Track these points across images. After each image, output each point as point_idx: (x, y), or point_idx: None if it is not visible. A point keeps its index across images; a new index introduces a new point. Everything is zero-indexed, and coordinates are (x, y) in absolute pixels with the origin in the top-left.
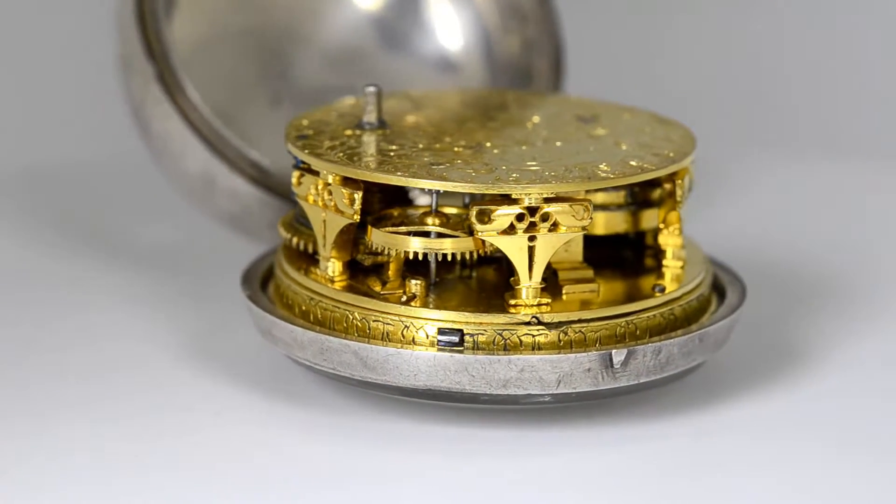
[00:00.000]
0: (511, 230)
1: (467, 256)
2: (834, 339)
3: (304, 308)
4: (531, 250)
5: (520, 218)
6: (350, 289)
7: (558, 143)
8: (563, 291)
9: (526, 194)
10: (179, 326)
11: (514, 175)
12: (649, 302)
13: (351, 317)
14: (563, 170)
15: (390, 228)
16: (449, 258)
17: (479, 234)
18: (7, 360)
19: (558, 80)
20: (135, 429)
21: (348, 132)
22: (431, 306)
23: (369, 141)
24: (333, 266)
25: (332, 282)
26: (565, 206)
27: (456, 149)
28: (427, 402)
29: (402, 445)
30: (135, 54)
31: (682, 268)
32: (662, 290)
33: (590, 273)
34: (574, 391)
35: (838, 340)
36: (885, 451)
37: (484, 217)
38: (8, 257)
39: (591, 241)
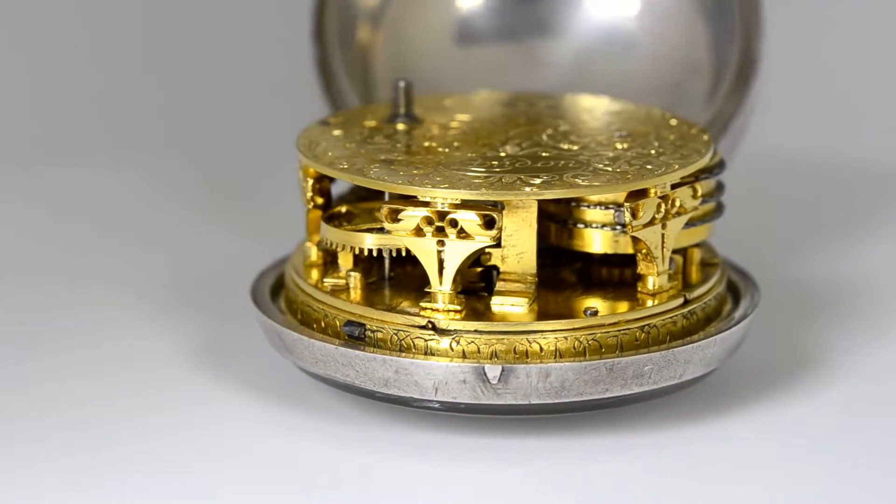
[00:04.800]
0: (421, 232)
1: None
2: (848, 349)
3: (286, 290)
4: (440, 255)
5: (430, 222)
6: (311, 275)
7: (545, 154)
8: (491, 302)
9: (431, 198)
10: (190, 327)
11: (437, 178)
12: (561, 324)
13: (298, 301)
14: (495, 180)
15: (348, 226)
16: (405, 254)
17: (392, 233)
18: (9, 358)
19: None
20: (134, 430)
21: (371, 124)
22: (352, 299)
23: (371, 135)
24: (311, 251)
25: (305, 266)
26: (471, 213)
27: (441, 149)
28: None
29: (401, 451)
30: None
31: (653, 296)
32: (594, 313)
33: (531, 287)
34: (455, 401)
35: (852, 350)
36: None
37: (393, 216)
38: (8, 252)
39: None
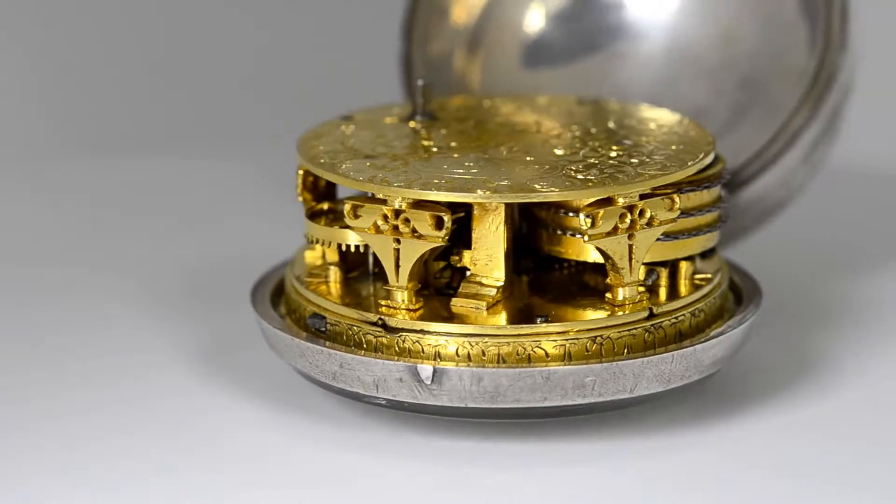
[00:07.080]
0: (379, 230)
1: None
2: (850, 354)
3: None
4: (397, 252)
5: (387, 219)
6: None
7: (528, 158)
8: (451, 302)
9: (385, 195)
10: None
11: (400, 177)
12: (507, 329)
13: (287, 292)
14: (457, 180)
15: (329, 223)
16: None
17: (354, 229)
18: (9, 366)
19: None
20: (136, 433)
21: (388, 122)
22: (326, 293)
23: (379, 133)
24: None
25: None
26: (422, 213)
27: (435, 148)
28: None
29: (399, 454)
30: None
31: (618, 307)
32: (545, 320)
33: (492, 290)
34: (396, 398)
35: (856, 355)
36: None
37: (353, 212)
38: (9, 252)
39: None
